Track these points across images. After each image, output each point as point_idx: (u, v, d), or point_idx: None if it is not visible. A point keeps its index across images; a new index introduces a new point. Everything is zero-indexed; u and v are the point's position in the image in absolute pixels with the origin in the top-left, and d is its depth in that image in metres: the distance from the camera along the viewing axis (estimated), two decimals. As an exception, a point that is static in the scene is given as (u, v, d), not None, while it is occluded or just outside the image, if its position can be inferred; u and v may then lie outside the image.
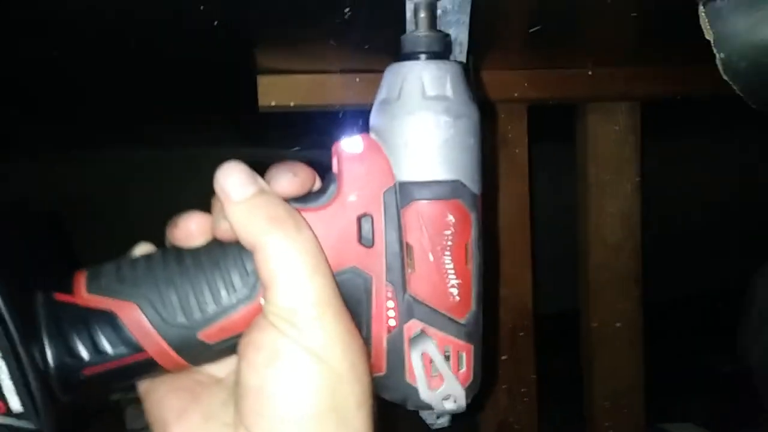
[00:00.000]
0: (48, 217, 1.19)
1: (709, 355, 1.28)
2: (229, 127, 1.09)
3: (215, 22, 0.46)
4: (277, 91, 0.65)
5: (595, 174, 0.79)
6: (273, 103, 0.65)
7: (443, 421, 0.32)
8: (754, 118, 0.43)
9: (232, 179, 0.28)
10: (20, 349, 0.26)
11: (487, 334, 0.32)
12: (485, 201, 0.31)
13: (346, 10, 0.46)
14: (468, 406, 0.30)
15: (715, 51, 0.40)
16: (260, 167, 0.30)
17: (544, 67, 0.70)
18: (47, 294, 0.28)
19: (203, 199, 0.30)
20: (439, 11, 0.34)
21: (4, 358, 0.26)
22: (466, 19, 0.34)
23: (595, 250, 0.81)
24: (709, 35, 0.40)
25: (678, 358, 1.30)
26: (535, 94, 0.71)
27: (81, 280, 0.28)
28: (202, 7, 0.43)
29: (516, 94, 0.71)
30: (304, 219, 0.28)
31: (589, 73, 0.71)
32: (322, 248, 0.28)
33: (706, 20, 0.39)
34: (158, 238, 0.31)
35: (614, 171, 0.79)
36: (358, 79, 0.65)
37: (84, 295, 0.28)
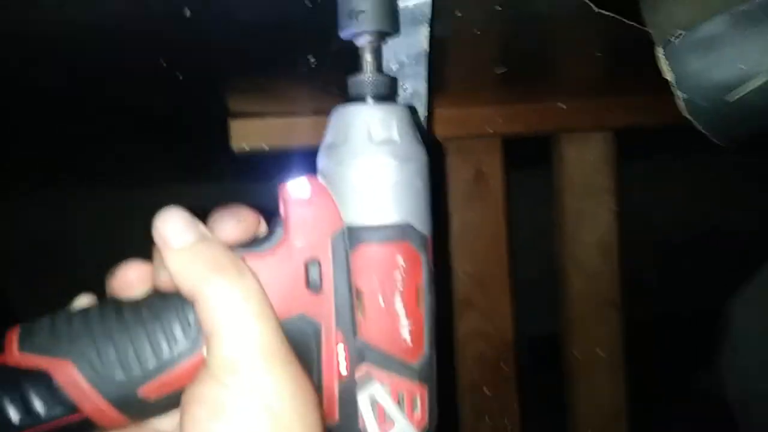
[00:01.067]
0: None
1: (690, 374, 1.28)
2: (199, 166, 1.08)
3: (180, 76, 0.46)
4: (250, 134, 0.64)
5: (571, 204, 0.79)
6: (246, 147, 0.65)
7: None
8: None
9: (171, 226, 0.27)
10: None
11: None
12: (435, 242, 0.30)
13: (311, 59, 0.46)
14: None
15: (675, 90, 0.40)
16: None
17: (516, 101, 0.71)
18: None
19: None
20: (396, 65, 0.34)
21: None
22: (423, 71, 0.34)
23: (573, 279, 0.81)
24: (668, 75, 0.40)
25: (660, 377, 1.30)
26: (508, 129, 0.72)
27: (13, 339, 0.27)
28: (165, 65, 0.43)
29: (490, 129, 0.71)
30: (248, 266, 0.27)
31: (562, 106, 0.72)
32: (266, 295, 0.27)
33: (665, 62, 0.40)
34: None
35: (591, 200, 0.80)
36: (330, 119, 0.66)
37: (16, 354, 0.26)
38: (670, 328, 1.50)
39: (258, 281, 0.27)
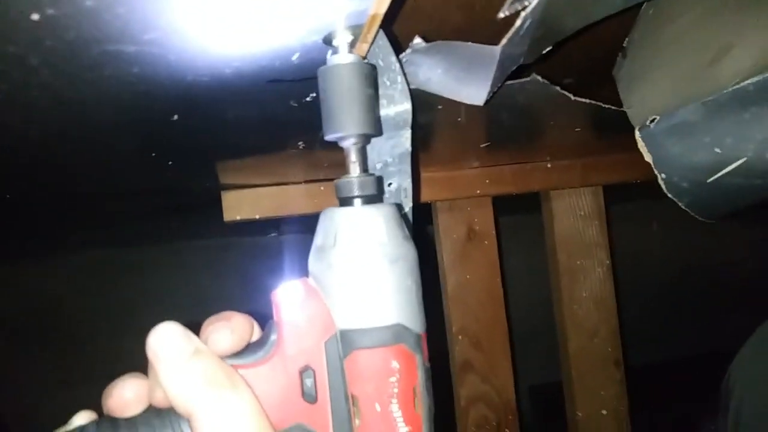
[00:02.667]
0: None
1: (695, 421, 1.26)
2: (192, 231, 1.08)
3: (169, 162, 0.47)
4: (242, 205, 0.65)
5: (565, 261, 0.80)
6: (238, 218, 0.65)
7: None
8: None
9: (166, 343, 0.27)
10: None
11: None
12: (430, 336, 0.30)
13: (300, 144, 0.47)
14: None
15: (655, 171, 0.41)
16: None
17: (503, 163, 0.72)
18: None
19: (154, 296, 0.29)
20: (380, 164, 0.35)
21: None
22: (407, 168, 0.35)
23: (572, 336, 0.80)
24: (647, 157, 0.41)
25: (664, 425, 1.28)
26: (497, 190, 0.72)
27: None
28: (153, 154, 0.43)
29: (478, 191, 0.72)
30: (243, 378, 0.27)
31: (548, 165, 0.73)
32: (262, 408, 0.27)
33: (643, 144, 0.41)
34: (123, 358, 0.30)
35: (583, 256, 0.80)
36: (322, 188, 0.66)
37: None
38: (670, 372, 1.48)
39: (253, 394, 0.27)
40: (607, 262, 0.80)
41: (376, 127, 0.31)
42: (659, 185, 0.41)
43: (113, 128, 0.35)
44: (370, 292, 0.28)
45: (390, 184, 0.36)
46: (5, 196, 0.53)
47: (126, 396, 0.28)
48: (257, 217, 0.66)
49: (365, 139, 0.31)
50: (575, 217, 0.80)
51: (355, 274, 0.28)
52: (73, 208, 0.69)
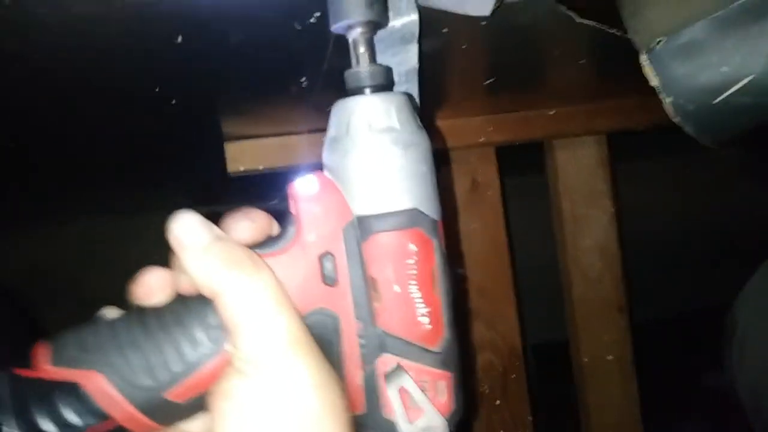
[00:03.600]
0: (5, 293, 1.17)
1: (700, 373, 1.28)
2: (196, 191, 1.08)
3: (173, 100, 0.47)
4: (246, 156, 0.65)
5: (569, 209, 0.80)
6: (242, 168, 0.65)
7: None
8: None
9: (186, 228, 0.28)
10: None
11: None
12: (446, 226, 0.31)
13: (303, 80, 0.47)
14: None
15: (661, 96, 0.41)
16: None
17: (507, 111, 0.71)
18: (10, 371, 0.27)
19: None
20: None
21: None
22: (415, 86, 0.35)
23: (576, 284, 0.81)
24: (654, 81, 0.41)
25: (671, 378, 1.29)
26: (500, 138, 0.72)
27: (43, 353, 0.28)
28: (157, 90, 0.43)
29: (482, 139, 0.72)
30: (265, 262, 0.28)
31: (551, 112, 0.73)
32: (284, 288, 0.27)
33: (650, 68, 0.40)
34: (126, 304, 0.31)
35: (588, 204, 0.80)
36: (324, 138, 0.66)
37: (47, 368, 0.27)
38: (676, 329, 1.49)
39: (275, 275, 0.27)
40: (612, 210, 0.81)
41: (383, 17, 0.30)
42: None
43: (118, 51, 0.35)
44: (384, 178, 0.28)
45: (389, 69, 0.35)
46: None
47: (152, 282, 0.29)
48: (261, 167, 0.66)
49: (373, 28, 0.30)
50: (579, 165, 0.80)
51: (369, 160, 0.28)
52: (73, 161, 0.69)
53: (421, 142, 0.29)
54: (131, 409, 0.27)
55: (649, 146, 1.38)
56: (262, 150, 0.65)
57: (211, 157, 0.66)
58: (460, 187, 0.75)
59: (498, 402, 0.76)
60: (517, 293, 0.78)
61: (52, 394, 0.27)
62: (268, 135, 0.66)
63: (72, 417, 0.27)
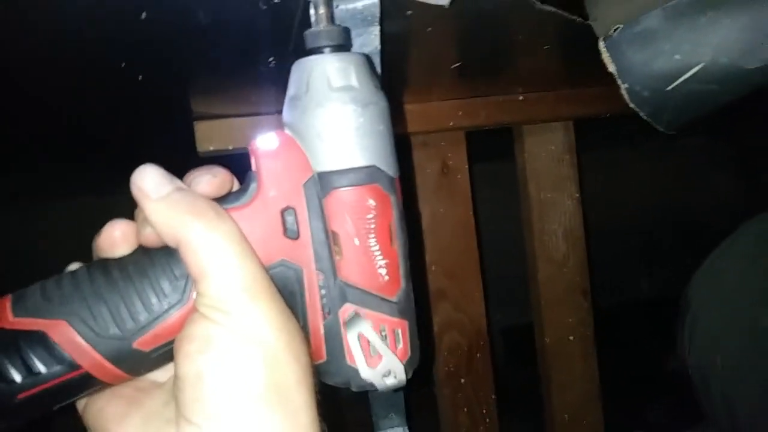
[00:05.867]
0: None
1: (663, 357, 1.32)
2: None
3: (139, 76, 0.46)
4: (215, 136, 0.65)
5: (536, 193, 0.82)
6: (211, 148, 0.65)
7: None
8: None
9: (149, 179, 0.28)
10: None
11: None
12: (403, 183, 0.32)
13: (271, 60, 0.47)
14: (408, 381, 0.31)
15: (618, 81, 0.43)
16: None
17: (476, 95, 0.72)
18: None
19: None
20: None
21: None
22: (377, 68, 0.36)
23: (541, 267, 0.83)
24: (611, 68, 0.42)
25: (631, 361, 1.34)
26: (469, 122, 0.73)
27: (5, 305, 0.28)
28: (123, 65, 0.43)
29: (452, 123, 0.73)
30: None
31: (520, 98, 0.74)
32: (247, 238, 0.28)
33: (607, 54, 0.42)
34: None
35: (554, 189, 0.82)
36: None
37: (10, 319, 0.27)
38: (638, 314, 1.54)
39: (237, 225, 0.28)
40: (577, 195, 0.83)
41: None
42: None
43: (81, 22, 0.35)
44: (343, 135, 0.29)
45: (347, 29, 0.36)
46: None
47: (116, 234, 0.29)
48: (230, 147, 0.66)
49: None
50: (546, 151, 0.82)
51: (328, 117, 0.29)
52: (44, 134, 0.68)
53: (379, 101, 0.30)
54: (98, 357, 0.27)
55: (617, 135, 1.41)
56: (232, 130, 0.65)
57: (179, 137, 0.66)
58: (430, 170, 0.76)
59: (463, 380, 0.78)
60: (483, 275, 0.80)
61: (17, 343, 0.27)
62: (237, 115, 0.65)
63: (38, 365, 0.27)
